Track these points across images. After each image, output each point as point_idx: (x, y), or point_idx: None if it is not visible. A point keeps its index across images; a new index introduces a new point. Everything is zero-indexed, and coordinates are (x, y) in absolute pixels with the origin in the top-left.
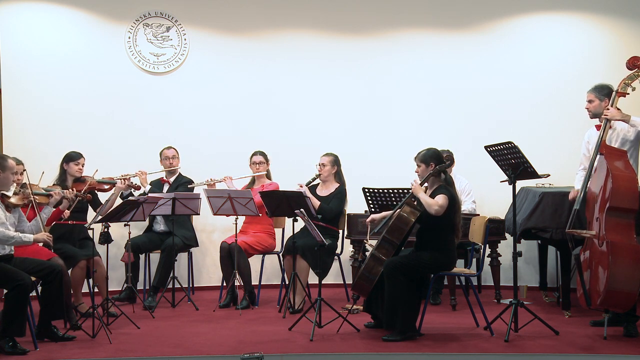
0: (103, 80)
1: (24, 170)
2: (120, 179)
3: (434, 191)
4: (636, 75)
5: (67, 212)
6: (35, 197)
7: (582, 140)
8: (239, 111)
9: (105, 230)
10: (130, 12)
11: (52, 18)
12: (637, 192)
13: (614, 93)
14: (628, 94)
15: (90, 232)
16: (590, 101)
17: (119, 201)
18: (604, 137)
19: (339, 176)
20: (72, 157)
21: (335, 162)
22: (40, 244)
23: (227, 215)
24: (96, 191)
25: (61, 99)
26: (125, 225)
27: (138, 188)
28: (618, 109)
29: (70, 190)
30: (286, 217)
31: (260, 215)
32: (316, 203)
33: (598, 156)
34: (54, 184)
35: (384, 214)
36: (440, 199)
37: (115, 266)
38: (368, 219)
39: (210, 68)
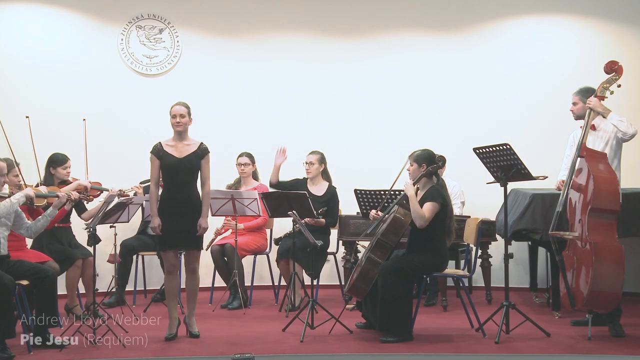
0: (96, 81)
1: (17, 174)
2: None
3: (426, 193)
4: (614, 79)
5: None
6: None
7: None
8: (232, 112)
9: (92, 231)
10: (123, 14)
11: (44, 20)
12: (618, 194)
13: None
14: (607, 97)
15: (76, 234)
16: (574, 103)
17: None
18: (584, 140)
19: (326, 174)
20: (58, 162)
21: (322, 160)
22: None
23: (226, 217)
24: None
25: (53, 100)
26: (110, 227)
27: (127, 196)
28: (600, 103)
29: (74, 192)
30: (274, 219)
31: (261, 215)
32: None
33: (579, 159)
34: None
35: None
36: (428, 212)
37: (105, 268)
38: (372, 213)
39: (202, 70)
